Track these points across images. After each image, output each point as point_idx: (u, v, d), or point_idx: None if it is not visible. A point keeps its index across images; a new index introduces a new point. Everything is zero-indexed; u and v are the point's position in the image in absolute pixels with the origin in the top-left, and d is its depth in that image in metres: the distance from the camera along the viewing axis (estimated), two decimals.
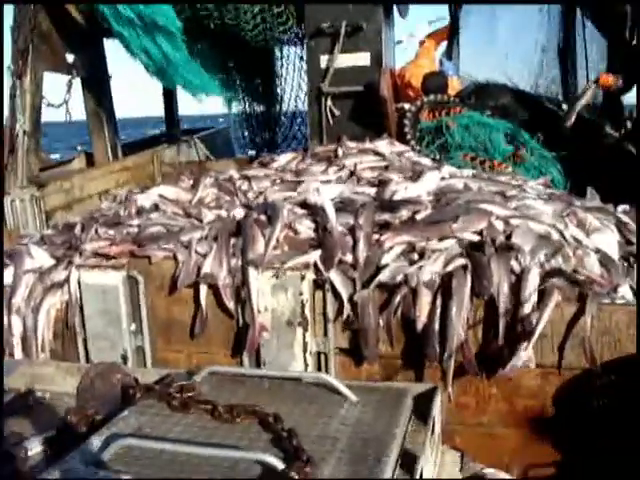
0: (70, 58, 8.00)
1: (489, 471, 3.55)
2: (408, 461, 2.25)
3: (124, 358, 4.03)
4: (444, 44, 8.90)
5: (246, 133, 10.38)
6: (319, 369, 3.77)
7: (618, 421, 3.33)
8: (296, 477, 1.94)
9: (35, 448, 2.58)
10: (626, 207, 4.63)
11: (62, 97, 7.93)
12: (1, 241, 4.84)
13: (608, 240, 3.96)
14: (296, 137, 10.03)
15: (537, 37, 9.65)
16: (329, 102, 7.00)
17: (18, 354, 4.14)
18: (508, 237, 3.78)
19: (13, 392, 3.07)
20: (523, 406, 3.58)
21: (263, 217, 4.16)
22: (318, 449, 2.19)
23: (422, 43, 8.45)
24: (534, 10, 9.45)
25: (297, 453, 2.10)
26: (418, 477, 2.18)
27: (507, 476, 3.55)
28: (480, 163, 6.51)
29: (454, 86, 7.96)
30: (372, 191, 4.70)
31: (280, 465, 2.00)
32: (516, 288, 3.46)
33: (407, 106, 7.03)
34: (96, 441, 2.28)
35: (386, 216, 4.07)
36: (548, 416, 3.53)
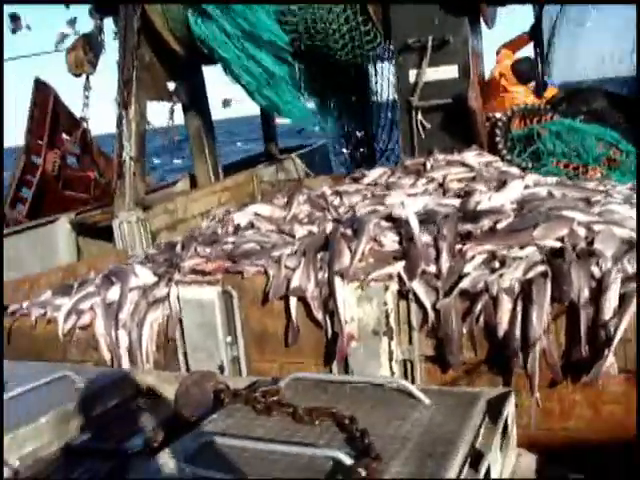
0: (172, 86, 8.41)
1: (575, 476, 3.59)
2: (476, 460, 2.35)
3: (221, 368, 4.26)
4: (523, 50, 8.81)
5: (345, 150, 10.52)
6: (405, 376, 3.89)
7: None
8: (363, 472, 2.09)
9: (137, 446, 2.82)
10: None
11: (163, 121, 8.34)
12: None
13: None
14: (395, 151, 10.13)
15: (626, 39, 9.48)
16: (419, 116, 7.11)
17: (125, 365, 4.44)
18: (590, 243, 3.80)
19: (119, 398, 3.33)
20: (608, 412, 3.59)
21: (350, 231, 4.32)
22: (389, 448, 2.32)
23: (498, 53, 8.42)
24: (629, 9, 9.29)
25: (367, 451, 2.24)
26: (483, 476, 2.28)
27: None
28: (573, 169, 6.46)
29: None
30: (457, 202, 4.80)
31: (349, 461, 2.15)
32: (597, 294, 3.48)
33: (498, 115, 7.07)
34: (187, 440, 2.49)
35: (468, 226, 4.16)
36: (633, 421, 3.53)
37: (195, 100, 8.90)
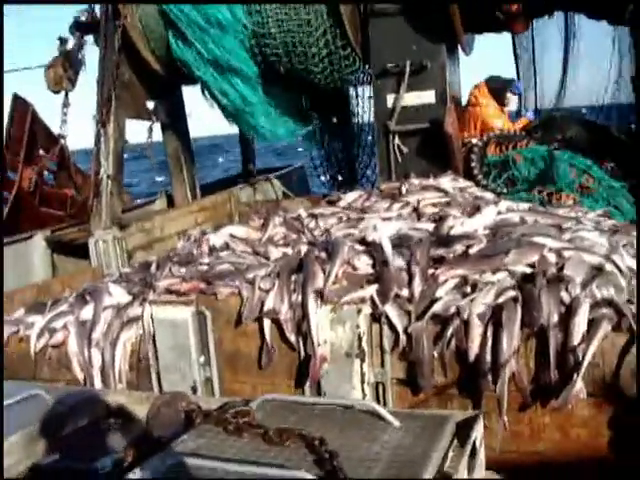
0: (151, 105, 8.44)
1: None
2: None
3: (194, 389, 4.27)
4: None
5: (326, 171, 10.55)
6: (377, 399, 3.92)
7: None
8: None
9: (106, 467, 2.82)
10: None
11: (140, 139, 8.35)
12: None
13: None
14: (375, 172, 10.18)
15: (608, 67, 9.67)
16: (397, 140, 7.18)
17: (98, 384, 4.43)
18: (560, 269, 3.86)
19: (89, 417, 3.32)
20: (576, 435, 3.63)
21: (324, 254, 4.37)
22: (357, 470, 2.35)
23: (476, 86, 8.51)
24: (606, 38, 9.49)
25: (335, 473, 2.26)
26: None
27: None
28: (547, 195, 6.56)
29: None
30: (431, 226, 4.86)
31: None
32: (566, 319, 3.54)
33: (474, 141, 7.18)
34: (157, 460, 2.49)
35: (441, 251, 4.22)
36: (602, 445, 3.58)
37: (174, 120, 8.93)
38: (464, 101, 8.28)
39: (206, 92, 8.03)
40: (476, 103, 8.19)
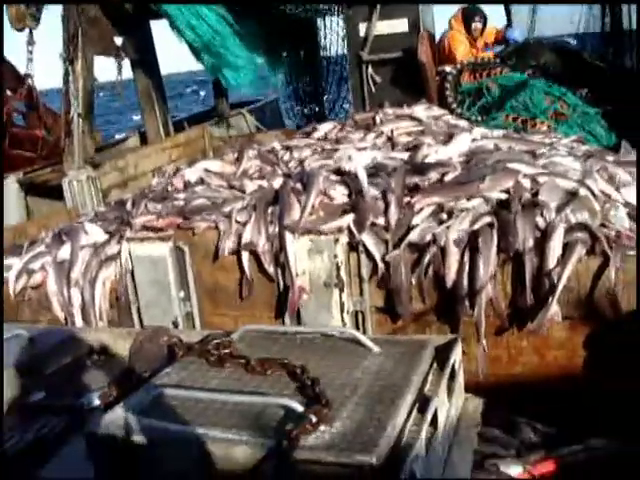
0: (119, 41, 8.27)
1: (521, 420, 3.70)
2: (423, 404, 2.44)
3: (175, 324, 4.30)
4: None
5: (294, 105, 10.49)
6: (356, 327, 3.97)
7: None
8: (314, 418, 2.15)
9: (93, 402, 2.86)
10: None
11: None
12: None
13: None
14: (343, 106, 10.13)
15: None
16: (370, 70, 7.12)
17: (79, 323, 4.44)
18: (535, 194, 3.89)
19: (72, 355, 3.34)
20: (553, 357, 3.71)
21: (299, 185, 4.36)
22: (339, 395, 2.39)
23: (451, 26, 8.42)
24: None
25: (318, 398, 2.31)
26: (430, 419, 2.36)
27: (540, 425, 3.69)
28: (522, 123, 6.56)
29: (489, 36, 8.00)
30: (406, 155, 4.85)
31: (300, 408, 2.22)
32: (541, 243, 3.59)
33: (448, 69, 7.13)
34: (141, 393, 2.52)
35: (416, 179, 4.23)
36: (577, 366, 3.66)
37: (143, 56, 8.76)
38: (437, 30, 8.19)
39: (173, 27, 7.87)
40: (449, 30, 8.13)
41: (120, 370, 3.11)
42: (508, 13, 9.27)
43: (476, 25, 8.12)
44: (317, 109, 10.22)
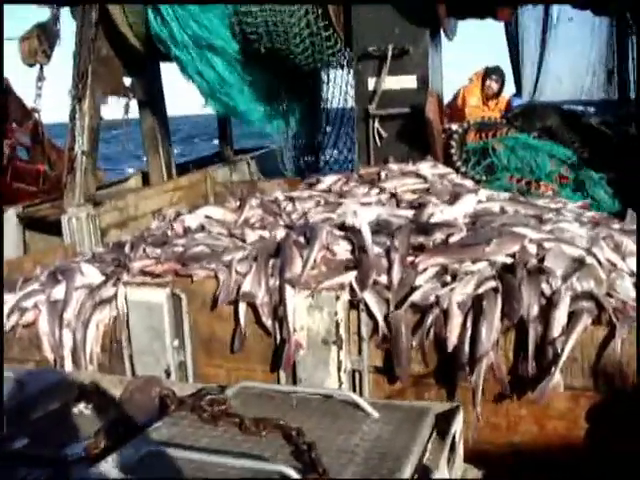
0: (128, 81, 8.29)
1: None
2: (423, 476, 2.35)
3: (167, 373, 4.20)
4: None
5: (293, 155, 10.49)
6: (353, 387, 3.89)
7: None
8: None
9: (77, 453, 2.75)
10: None
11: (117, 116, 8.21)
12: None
13: None
14: (338, 161, 10.14)
15: (588, 58, 9.70)
16: (376, 124, 7.10)
17: (68, 366, 4.34)
18: (541, 260, 3.84)
19: (60, 401, 3.24)
20: (552, 427, 3.63)
21: (302, 238, 4.31)
22: (336, 462, 2.30)
23: (471, 80, 8.56)
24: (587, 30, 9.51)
25: (314, 465, 2.22)
26: None
27: None
28: (526, 184, 6.55)
29: (499, 104, 8.06)
30: (411, 213, 4.81)
31: (295, 475, 2.13)
32: (546, 311, 3.53)
33: (454, 127, 7.13)
34: (130, 448, 2.43)
35: (421, 238, 4.18)
36: (578, 438, 3.57)
37: (151, 97, 8.79)
38: (446, 87, 8.24)
39: (183, 71, 7.90)
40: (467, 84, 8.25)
41: (109, 420, 3.01)
42: (518, 80, 9.38)
43: (491, 83, 8.19)
44: (315, 161, 10.21)
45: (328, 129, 10.12)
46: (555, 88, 9.64)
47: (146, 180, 9.33)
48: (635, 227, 4.67)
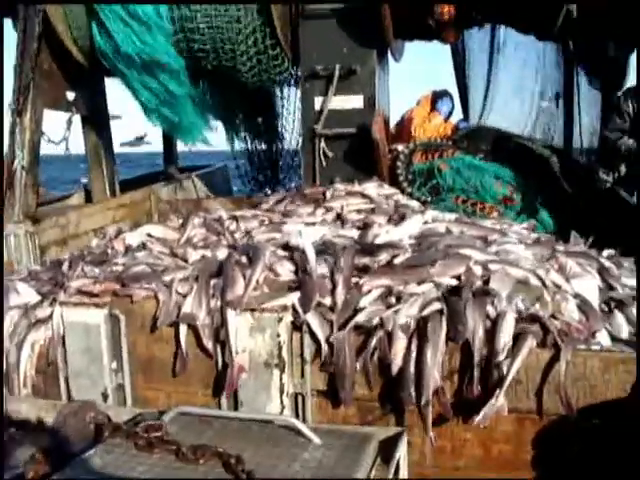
0: (71, 96, 8.14)
1: None
2: None
3: (104, 396, 4.06)
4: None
5: (249, 171, 10.45)
6: (296, 410, 3.80)
7: (596, 466, 3.36)
8: None
9: None
10: (611, 252, 4.69)
11: (61, 133, 8.04)
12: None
13: (588, 285, 4.00)
14: (293, 178, 10.12)
15: (534, 85, 9.84)
16: (322, 143, 7.08)
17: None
18: (486, 282, 3.82)
19: None
20: (498, 451, 3.59)
21: (245, 258, 4.23)
22: None
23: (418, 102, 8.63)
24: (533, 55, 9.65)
25: None
26: None
27: None
28: (471, 205, 6.60)
29: (446, 129, 8.11)
30: (355, 234, 4.77)
31: None
32: (491, 333, 3.49)
33: (400, 148, 7.16)
34: (60, 478, 2.32)
35: (366, 260, 4.12)
36: (523, 461, 3.55)
37: (95, 112, 8.63)
38: (393, 108, 8.27)
39: (128, 86, 7.79)
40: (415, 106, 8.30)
41: (40, 447, 2.88)
42: (465, 104, 9.47)
43: (442, 107, 8.29)
44: (273, 176, 10.18)
45: (285, 144, 10.10)
46: (502, 112, 9.75)
47: (89, 198, 9.16)
48: (578, 249, 4.72)
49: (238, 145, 10.02)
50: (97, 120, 8.76)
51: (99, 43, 7.28)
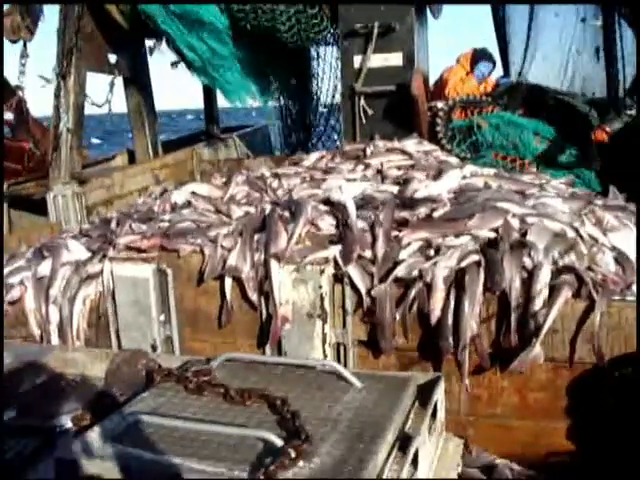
0: (113, 58, 8.25)
1: (501, 461, 3.69)
2: (404, 443, 2.39)
3: (153, 347, 4.21)
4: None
5: (283, 132, 10.50)
6: (338, 360, 3.91)
7: (627, 416, 3.43)
8: (293, 453, 2.10)
9: (64, 424, 2.79)
10: None
11: (104, 95, 8.16)
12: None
13: (625, 238, 4.01)
14: (330, 137, 10.15)
15: (573, 40, 9.69)
16: (362, 101, 7.12)
17: (55, 341, 4.35)
18: (523, 235, 3.87)
19: (47, 374, 3.27)
20: (534, 399, 3.68)
21: (287, 213, 4.33)
22: (319, 430, 2.35)
23: (458, 60, 8.56)
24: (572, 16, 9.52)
25: (298, 433, 2.26)
26: (411, 459, 2.32)
27: (518, 467, 3.67)
28: (511, 162, 6.60)
29: (486, 88, 8.07)
30: (395, 189, 4.83)
31: (279, 442, 2.17)
32: (528, 284, 3.56)
33: (440, 105, 7.15)
34: (116, 418, 2.46)
35: (405, 213, 4.21)
36: (558, 409, 3.63)
37: (136, 74, 8.75)
38: (432, 65, 8.25)
39: (172, 46, 7.89)
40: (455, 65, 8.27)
41: (95, 392, 3.05)
42: (505, 61, 9.37)
43: (484, 70, 8.23)
44: (305, 138, 10.22)
45: (320, 106, 10.11)
46: (542, 67, 9.63)
47: (132, 159, 9.31)
48: (618, 203, 4.72)
49: (273, 107, 10.06)
50: (139, 81, 8.88)
51: (142, 5, 7.36)
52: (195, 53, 7.59)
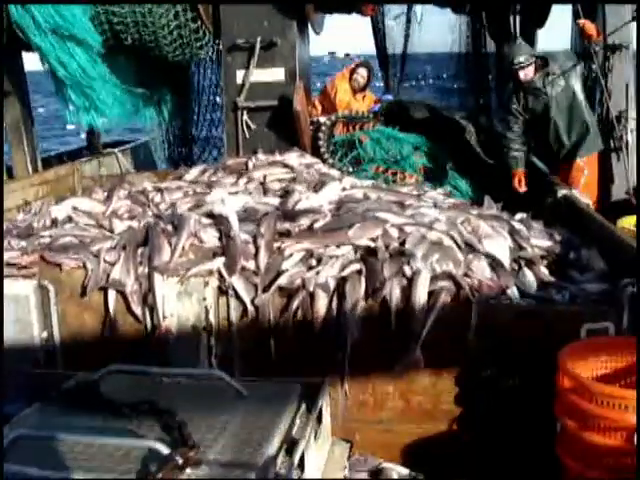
0: None
1: (387, 464, 3.79)
2: (291, 447, 2.45)
3: (36, 365, 4.12)
4: None
5: (165, 148, 10.41)
6: (224, 370, 3.88)
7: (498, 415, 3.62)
8: (180, 460, 2.13)
9: None
10: (523, 215, 4.92)
11: None
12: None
13: (499, 245, 4.23)
14: (211, 152, 10.14)
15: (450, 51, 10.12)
16: (245, 116, 7.17)
17: None
18: (402, 243, 4.03)
19: None
20: (417, 402, 3.81)
21: (170, 227, 4.35)
22: (206, 437, 2.39)
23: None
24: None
25: (185, 441, 2.29)
26: (298, 462, 2.38)
27: (403, 469, 3.78)
28: (391, 175, 6.78)
29: (369, 103, 8.26)
30: (277, 201, 4.91)
31: (166, 450, 2.19)
32: (408, 291, 3.71)
33: (322, 120, 7.28)
34: None
35: (287, 225, 4.30)
36: (441, 412, 3.77)
37: (14, 88, 8.50)
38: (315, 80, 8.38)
39: (44, 61, 7.68)
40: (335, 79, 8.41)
41: None
42: (386, 77, 9.63)
43: (357, 77, 8.37)
44: (188, 153, 10.17)
45: (200, 121, 10.08)
46: (419, 84, 10.00)
47: (10, 174, 9.02)
48: (492, 212, 4.95)
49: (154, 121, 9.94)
50: (17, 96, 8.62)
51: (14, 16, 7.15)
52: (65, 70, 7.40)
